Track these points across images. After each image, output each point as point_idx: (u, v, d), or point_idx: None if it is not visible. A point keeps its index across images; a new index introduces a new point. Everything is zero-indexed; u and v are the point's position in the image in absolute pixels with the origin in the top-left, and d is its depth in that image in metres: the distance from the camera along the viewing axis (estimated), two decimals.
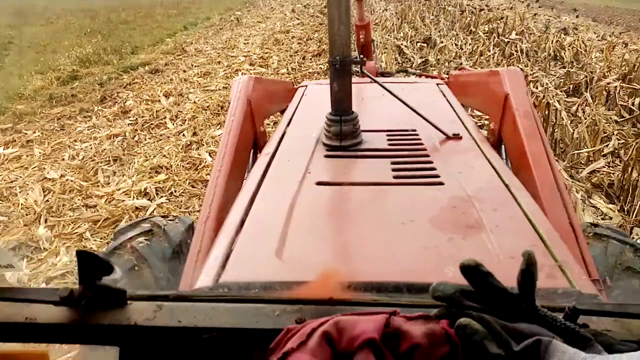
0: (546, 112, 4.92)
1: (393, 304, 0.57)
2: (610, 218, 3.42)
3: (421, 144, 1.40)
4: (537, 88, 6.13)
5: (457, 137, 1.44)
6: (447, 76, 2.51)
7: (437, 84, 2.19)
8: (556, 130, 4.67)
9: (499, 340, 0.43)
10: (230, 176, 1.36)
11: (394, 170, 1.22)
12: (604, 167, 3.99)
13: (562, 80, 7.08)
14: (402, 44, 9.01)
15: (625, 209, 3.52)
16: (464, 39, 9.97)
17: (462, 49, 9.00)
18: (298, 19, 14.28)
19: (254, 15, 16.41)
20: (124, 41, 11.18)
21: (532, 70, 7.13)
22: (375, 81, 1.54)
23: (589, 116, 5.00)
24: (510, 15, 13.30)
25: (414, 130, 1.49)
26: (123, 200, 3.66)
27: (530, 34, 10.00)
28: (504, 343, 0.42)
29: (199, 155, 4.47)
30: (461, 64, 7.69)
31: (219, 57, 9.19)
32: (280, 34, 11.45)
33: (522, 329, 0.44)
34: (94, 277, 0.55)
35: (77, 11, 18.18)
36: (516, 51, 8.63)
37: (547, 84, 6.43)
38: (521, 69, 7.15)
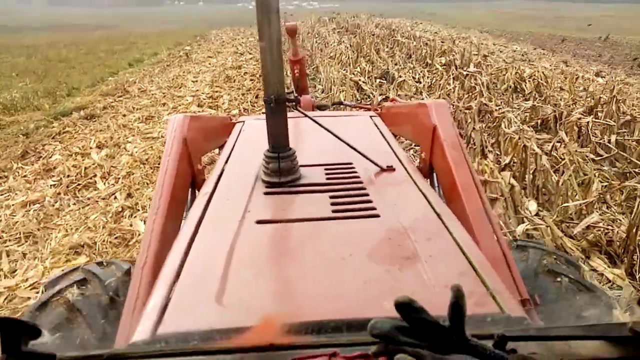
0: (523, 155, 4.51)
1: (333, 344, 0.58)
2: (620, 287, 2.93)
3: (357, 176, 1.42)
4: (506, 126, 5.76)
5: (390, 169, 1.47)
6: (380, 108, 2.55)
7: (371, 116, 2.22)
8: (537, 176, 4.23)
9: None
10: (168, 218, 1.33)
11: (332, 204, 1.23)
12: (599, 221, 3.54)
13: (527, 114, 6.80)
14: (359, 80, 8.60)
15: (635, 273, 3.05)
16: (421, 72, 9.71)
17: (420, 83, 8.69)
18: (250, 53, 13.81)
19: (204, 49, 15.81)
20: (61, 81, 10.30)
21: (496, 105, 6.81)
22: (310, 118, 1.52)
23: (564, 155, 4.63)
24: (462, 45, 13.36)
25: (351, 164, 1.51)
26: (28, 299, 2.87)
27: (488, 65, 9.85)
28: None
29: (132, 226, 3.73)
30: (422, 99, 7.33)
31: (164, 97, 8.48)
32: (231, 70, 10.87)
33: None
34: (18, 344, 0.52)
35: (15, 48, 17.04)
36: (476, 84, 8.38)
37: (512, 119, 6.09)
38: (485, 103, 6.84)
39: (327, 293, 0.85)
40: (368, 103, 6.22)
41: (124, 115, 7.35)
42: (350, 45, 13.56)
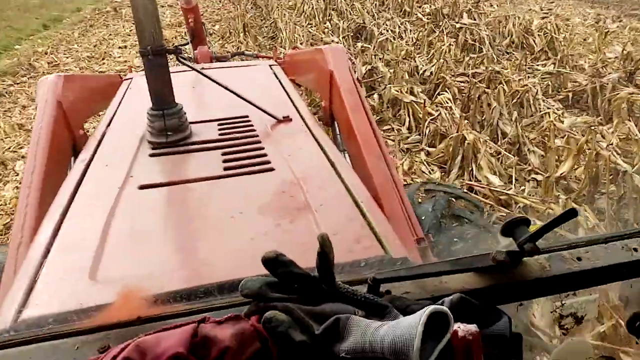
0: (594, 171, 3.09)
1: (205, 309, 0.56)
2: None
3: (253, 130, 1.39)
4: (541, 108, 4.32)
5: (287, 119, 1.45)
6: (282, 57, 2.46)
7: (271, 66, 2.15)
8: (625, 207, 2.85)
9: (302, 326, 0.44)
10: (44, 192, 1.24)
11: (224, 161, 1.20)
12: None
13: (548, 83, 5.37)
14: (332, 40, 6.88)
15: None
16: (401, 24, 8.02)
17: (403, 40, 7.06)
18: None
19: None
20: None
21: (512, 71, 5.33)
22: (197, 70, 1.46)
23: None
24: None
25: (246, 117, 1.47)
26: None
27: (481, 13, 8.25)
28: (307, 328, 0.44)
29: None
30: (417, 67, 5.76)
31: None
32: (169, 29, 8.86)
33: (326, 311, 0.46)
34: None
35: None
36: (474, 40, 6.83)
37: (539, 93, 4.65)
38: (497, 71, 5.34)
39: (207, 257, 0.85)
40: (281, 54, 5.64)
41: (24, 108, 5.46)
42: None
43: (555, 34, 6.50)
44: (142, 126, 1.35)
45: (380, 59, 5.95)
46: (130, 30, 9.14)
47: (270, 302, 0.46)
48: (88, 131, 1.77)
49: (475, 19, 7.86)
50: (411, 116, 4.45)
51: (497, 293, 0.57)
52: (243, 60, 3.13)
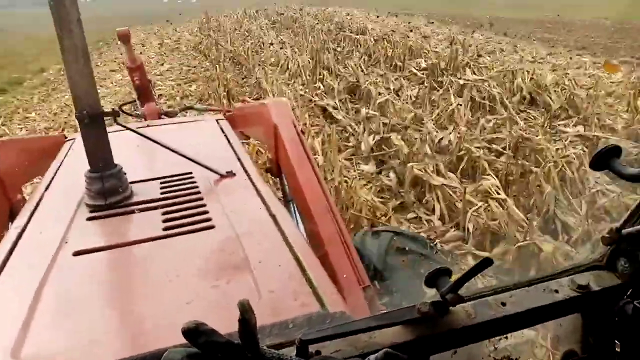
0: None
1: None
2: None
3: (195, 187, 1.38)
4: (592, 185, 3.55)
5: (230, 174, 1.46)
6: (230, 110, 2.51)
7: (218, 120, 2.16)
8: None
9: None
10: None
11: (164, 221, 1.19)
12: None
13: (583, 149, 4.65)
14: (327, 104, 6.12)
15: None
16: (395, 80, 7.38)
17: (400, 97, 6.36)
18: (169, 62, 10.89)
19: (108, 59, 12.59)
20: None
21: (542, 137, 4.59)
22: (133, 130, 1.44)
23: None
24: (414, 38, 11.24)
25: (189, 173, 1.46)
26: None
27: (482, 66, 7.69)
28: None
29: None
30: (429, 133, 5.00)
31: None
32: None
33: None
34: None
35: None
36: (482, 98, 6.17)
37: (584, 164, 3.90)
38: (526, 137, 4.60)
39: (140, 325, 0.82)
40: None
41: None
42: (294, 46, 11.01)
43: (574, 89, 5.89)
44: (81, 189, 1.31)
45: (384, 124, 5.19)
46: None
47: None
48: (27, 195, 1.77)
49: (476, 74, 7.28)
50: (441, 202, 3.61)
51: (427, 344, 0.58)
52: (192, 115, 3.14)
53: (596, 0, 20.99)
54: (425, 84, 7.07)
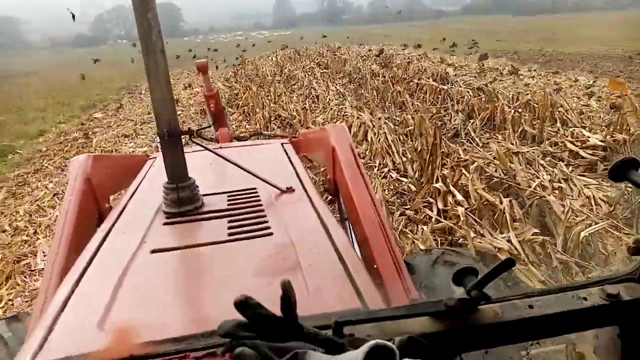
0: None
1: (190, 349, 0.64)
2: None
3: (258, 200, 1.52)
4: None
5: (290, 190, 1.59)
6: (296, 136, 2.64)
7: (283, 144, 2.34)
8: None
9: (266, 359, 0.51)
10: (69, 258, 1.36)
11: (229, 228, 1.32)
12: None
13: None
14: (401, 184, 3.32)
15: None
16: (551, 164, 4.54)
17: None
18: (198, 119, 8.43)
19: (123, 117, 10.23)
20: None
21: None
22: (207, 149, 1.67)
23: None
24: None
25: (254, 189, 1.60)
26: None
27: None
28: None
29: None
30: None
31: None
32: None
33: (289, 347, 0.52)
34: None
35: None
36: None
37: None
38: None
39: (203, 310, 0.97)
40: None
41: None
42: (361, 104, 8.36)
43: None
44: (159, 199, 1.47)
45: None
46: None
47: (242, 341, 0.52)
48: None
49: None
50: None
51: (453, 337, 0.61)
52: (261, 139, 3.26)
53: None
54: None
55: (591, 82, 9.30)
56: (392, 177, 4.84)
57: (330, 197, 2.28)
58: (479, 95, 7.65)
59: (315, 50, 18.53)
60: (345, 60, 14.31)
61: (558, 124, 6.01)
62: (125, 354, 0.64)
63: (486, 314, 0.62)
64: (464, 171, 3.98)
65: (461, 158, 4.73)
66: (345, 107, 7.72)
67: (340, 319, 0.57)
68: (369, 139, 5.80)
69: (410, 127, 6.14)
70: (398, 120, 6.70)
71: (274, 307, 0.51)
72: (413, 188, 4.43)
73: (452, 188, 3.68)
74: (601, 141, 4.69)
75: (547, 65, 12.96)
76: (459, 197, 3.56)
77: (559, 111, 6.23)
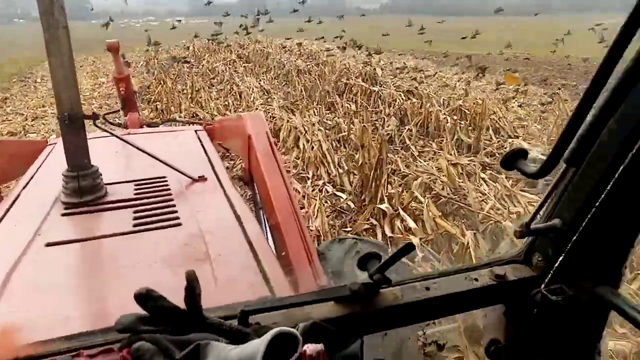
0: None
1: (83, 347, 0.58)
2: None
3: (167, 189, 1.48)
4: None
5: (202, 179, 1.56)
6: (212, 123, 2.54)
7: (196, 131, 2.25)
8: None
9: (166, 354, 0.49)
10: None
11: (135, 218, 1.28)
12: None
13: None
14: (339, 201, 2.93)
15: None
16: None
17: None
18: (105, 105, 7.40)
19: (11, 110, 8.81)
20: None
21: None
22: (114, 134, 1.58)
23: None
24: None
25: (163, 177, 1.55)
26: None
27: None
28: (170, 355, 0.49)
29: None
30: None
31: None
32: None
33: (191, 339, 0.50)
34: None
35: None
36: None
37: None
38: None
39: (101, 305, 0.91)
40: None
41: None
42: (288, 102, 7.81)
43: None
44: (58, 188, 1.39)
45: None
46: None
47: (141, 335, 0.49)
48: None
49: None
50: None
51: (357, 320, 0.63)
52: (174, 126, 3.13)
53: None
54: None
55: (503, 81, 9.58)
56: (327, 192, 4.37)
57: (245, 186, 2.24)
58: (409, 98, 7.43)
59: (235, 41, 17.55)
60: (269, 54, 13.62)
61: (490, 132, 5.91)
62: (9, 356, 0.57)
63: (387, 297, 0.65)
64: (416, 193, 3.59)
65: (401, 171, 4.38)
66: (273, 107, 7.14)
67: (246, 308, 0.57)
68: (301, 145, 5.28)
69: (343, 133, 5.72)
70: (330, 125, 6.24)
71: (181, 299, 0.50)
72: (352, 205, 3.99)
73: (402, 212, 3.27)
74: (542, 154, 4.56)
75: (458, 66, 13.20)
76: (411, 223, 3.16)
77: (491, 118, 6.14)
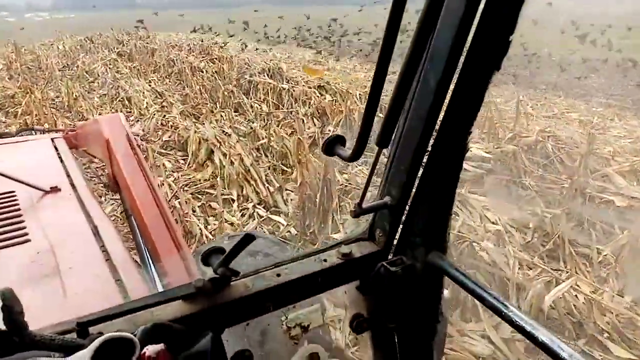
0: None
1: None
2: None
3: (16, 204, 1.41)
4: None
5: (55, 190, 1.49)
6: (74, 129, 2.45)
7: (53, 139, 2.17)
8: None
9: None
10: None
11: None
12: None
13: None
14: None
15: None
16: None
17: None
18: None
19: None
20: None
21: None
22: None
23: None
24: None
25: (11, 192, 1.47)
26: None
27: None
28: None
29: None
30: None
31: None
32: None
33: None
34: None
35: None
36: None
37: None
38: None
39: None
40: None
41: None
42: (193, 107, 6.87)
43: None
44: None
45: None
46: None
47: None
48: None
49: None
50: None
51: (209, 316, 0.62)
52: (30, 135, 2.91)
53: None
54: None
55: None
56: (260, 216, 3.68)
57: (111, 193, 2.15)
58: (322, 95, 6.90)
59: (113, 37, 15.67)
60: (154, 50, 12.26)
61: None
62: None
63: (238, 288, 0.66)
64: None
65: (352, 186, 3.84)
66: (173, 114, 6.19)
67: (82, 319, 0.56)
68: (217, 160, 4.50)
69: (262, 141, 5.03)
70: (244, 131, 5.50)
71: (29, 319, 0.48)
72: (294, 232, 3.36)
73: None
74: (487, 152, 4.28)
75: None
76: None
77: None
